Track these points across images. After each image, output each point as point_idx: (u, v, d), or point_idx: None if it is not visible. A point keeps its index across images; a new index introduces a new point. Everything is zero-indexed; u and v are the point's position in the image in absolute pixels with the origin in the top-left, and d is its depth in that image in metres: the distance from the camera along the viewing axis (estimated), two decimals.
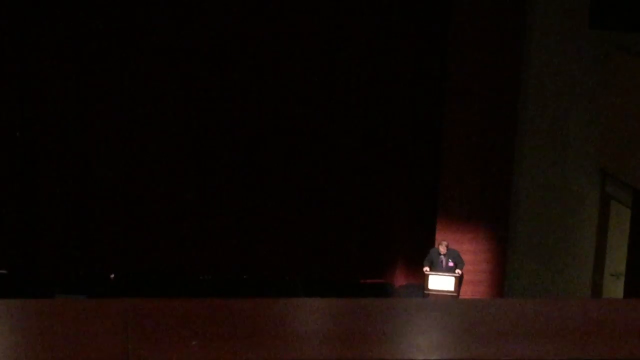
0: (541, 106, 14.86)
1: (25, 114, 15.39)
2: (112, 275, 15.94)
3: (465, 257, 15.14)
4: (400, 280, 16.15)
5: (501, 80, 14.90)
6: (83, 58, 15.26)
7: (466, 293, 15.17)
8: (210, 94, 15.49)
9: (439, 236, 15.38)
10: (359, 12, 15.28)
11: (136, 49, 15.31)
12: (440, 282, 14.75)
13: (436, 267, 14.88)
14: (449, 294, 14.58)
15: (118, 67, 15.36)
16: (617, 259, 14.45)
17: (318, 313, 2.19)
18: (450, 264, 14.91)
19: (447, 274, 14.81)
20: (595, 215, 14.80)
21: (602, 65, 14.40)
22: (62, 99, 15.34)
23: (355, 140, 15.67)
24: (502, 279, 15.55)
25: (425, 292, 14.76)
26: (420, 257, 15.32)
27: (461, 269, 14.97)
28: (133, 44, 15.30)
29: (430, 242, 15.49)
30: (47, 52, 15.20)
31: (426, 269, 14.87)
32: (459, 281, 14.90)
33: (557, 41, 14.64)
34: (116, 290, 15.52)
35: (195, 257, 15.94)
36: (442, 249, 14.94)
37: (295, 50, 15.39)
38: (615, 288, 14.47)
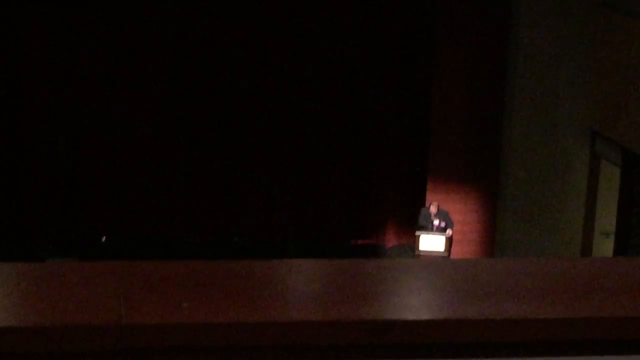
0: (530, 65, 14.84)
1: (13, 80, 15.37)
2: (104, 238, 15.95)
3: (456, 217, 15.17)
4: (391, 241, 16.20)
5: (490, 39, 14.89)
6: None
7: (457, 253, 15.23)
8: (197, 59, 15.48)
9: (429, 197, 15.41)
10: None
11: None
12: (431, 243, 14.80)
13: (427, 227, 14.91)
14: (439, 254, 14.63)
15: (102, 39, 15.40)
16: (607, 218, 14.50)
17: (309, 274, 2.20)
18: (442, 224, 14.95)
19: (437, 234, 14.85)
20: (585, 175, 14.82)
21: (591, 24, 14.36)
22: (49, 64, 15.31)
23: (345, 101, 15.65)
24: (492, 239, 15.60)
25: (416, 252, 14.81)
26: (411, 218, 15.35)
27: (451, 229, 15.01)
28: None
29: (421, 203, 15.52)
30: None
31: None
32: (449, 242, 14.94)
33: (545, 0, 14.60)
34: (108, 253, 15.53)
35: (186, 219, 15.96)
36: (433, 209, 14.97)
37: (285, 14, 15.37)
38: (605, 247, 14.53)
